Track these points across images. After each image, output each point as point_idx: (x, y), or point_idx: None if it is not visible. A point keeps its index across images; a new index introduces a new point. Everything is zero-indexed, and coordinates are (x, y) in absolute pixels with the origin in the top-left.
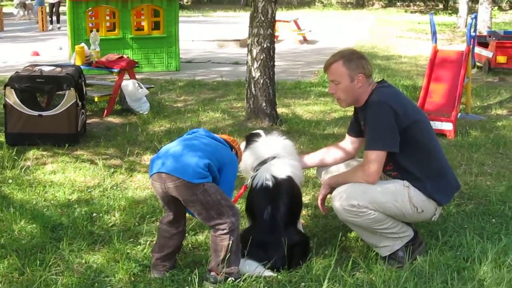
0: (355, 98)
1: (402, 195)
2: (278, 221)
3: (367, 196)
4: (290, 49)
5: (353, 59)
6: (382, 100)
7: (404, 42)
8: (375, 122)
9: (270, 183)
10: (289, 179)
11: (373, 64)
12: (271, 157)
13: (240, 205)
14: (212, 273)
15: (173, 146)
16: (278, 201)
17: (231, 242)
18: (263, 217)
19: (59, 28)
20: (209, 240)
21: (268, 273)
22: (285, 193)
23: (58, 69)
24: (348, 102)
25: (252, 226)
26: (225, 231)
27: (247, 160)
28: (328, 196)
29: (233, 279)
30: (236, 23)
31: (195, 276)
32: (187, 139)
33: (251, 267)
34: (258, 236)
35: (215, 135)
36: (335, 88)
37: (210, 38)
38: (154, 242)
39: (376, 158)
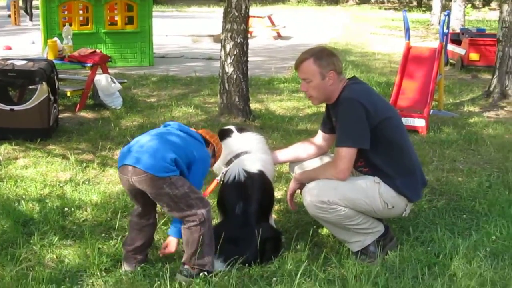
0: (327, 96)
1: (372, 191)
2: (250, 216)
3: (338, 192)
4: (264, 45)
5: (324, 56)
6: (353, 97)
7: (378, 38)
8: (346, 119)
9: (241, 178)
10: (261, 174)
11: (347, 61)
12: (242, 152)
13: (212, 200)
14: (186, 266)
15: (143, 139)
16: (250, 196)
17: (202, 234)
18: (235, 212)
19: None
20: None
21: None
22: (257, 188)
23: (30, 63)
24: (320, 100)
25: (223, 221)
26: (195, 222)
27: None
28: (298, 191)
29: (206, 273)
30: (211, 18)
31: (166, 271)
32: (158, 133)
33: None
34: (230, 231)
35: (190, 129)
36: (307, 86)
37: (185, 33)
38: (126, 235)
39: (346, 155)
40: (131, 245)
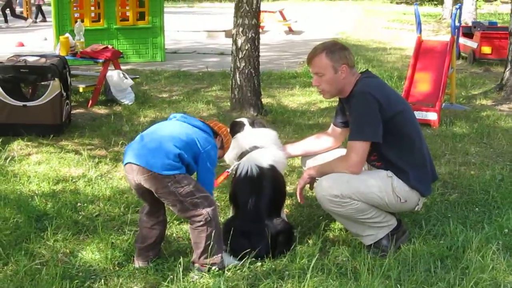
0: (339, 89)
1: (385, 185)
2: (262, 210)
3: (350, 186)
4: (275, 39)
5: (336, 50)
6: (366, 90)
7: (390, 33)
8: (359, 112)
9: (254, 172)
10: (273, 168)
11: (359, 55)
12: (255, 146)
13: (224, 195)
14: (196, 265)
15: (147, 134)
16: (262, 190)
17: (210, 232)
18: (247, 206)
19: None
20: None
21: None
22: (269, 182)
23: (43, 59)
24: (332, 94)
25: (236, 215)
26: (201, 222)
27: (230, 149)
28: (307, 187)
29: (217, 268)
30: (223, 14)
31: (179, 265)
32: (163, 126)
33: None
34: (242, 225)
35: (197, 120)
36: (319, 80)
37: (198, 28)
38: (138, 232)
39: (359, 148)
40: (143, 243)
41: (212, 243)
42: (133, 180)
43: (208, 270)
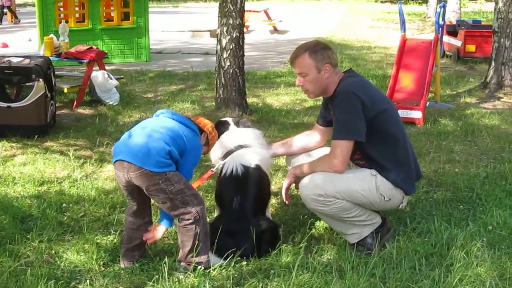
0: (323, 89)
1: (369, 183)
2: (247, 209)
3: (334, 185)
4: (260, 39)
5: (318, 50)
6: (349, 90)
7: (375, 31)
8: (342, 111)
9: (239, 172)
10: (258, 168)
11: (344, 54)
12: (239, 146)
13: (210, 194)
14: (182, 263)
15: (136, 132)
16: (247, 190)
17: (198, 231)
18: (232, 205)
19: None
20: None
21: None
22: (253, 182)
23: (27, 60)
24: (316, 94)
25: (221, 215)
26: (190, 220)
27: (216, 148)
28: (293, 186)
29: (203, 268)
30: (208, 13)
31: (165, 265)
32: (151, 124)
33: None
34: (228, 224)
35: (184, 117)
36: (303, 80)
37: (182, 28)
38: (123, 233)
39: (343, 147)
40: (128, 244)
41: (199, 241)
42: (123, 177)
43: (194, 270)
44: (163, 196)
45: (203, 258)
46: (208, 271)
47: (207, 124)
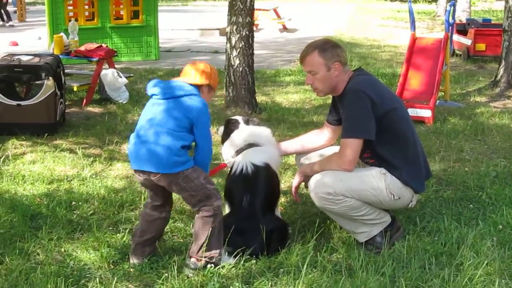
0: (332, 87)
1: (378, 182)
2: (257, 208)
3: (344, 183)
4: (270, 37)
5: (328, 48)
6: (358, 88)
7: (384, 30)
8: (352, 110)
9: (249, 170)
10: (267, 167)
11: (353, 53)
12: (249, 144)
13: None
14: (192, 259)
15: (142, 132)
16: (256, 189)
17: (214, 225)
18: (242, 203)
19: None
20: (188, 227)
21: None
22: (263, 180)
23: (37, 58)
24: (325, 92)
25: (230, 213)
26: (210, 213)
27: (226, 146)
28: (302, 184)
29: (213, 265)
30: (217, 12)
31: (174, 263)
32: (152, 117)
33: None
34: (237, 222)
35: (177, 85)
36: (312, 78)
37: (192, 26)
38: (136, 226)
39: (352, 146)
40: (141, 237)
41: (212, 236)
42: (145, 181)
43: (204, 266)
44: (185, 193)
45: (214, 253)
46: (217, 269)
47: (205, 72)
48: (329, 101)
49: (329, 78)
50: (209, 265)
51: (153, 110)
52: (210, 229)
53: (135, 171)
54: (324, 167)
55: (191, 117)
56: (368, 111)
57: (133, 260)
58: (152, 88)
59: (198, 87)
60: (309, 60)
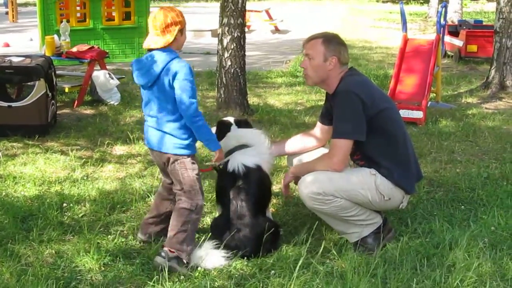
0: (322, 79)
1: (368, 182)
2: (248, 209)
3: (333, 184)
4: (261, 39)
5: (333, 41)
6: (349, 89)
7: (376, 31)
8: (342, 110)
9: (240, 171)
10: (259, 168)
11: None
12: (241, 145)
13: (205, 195)
14: (165, 249)
15: (145, 111)
16: (247, 189)
17: (188, 220)
18: (233, 205)
19: None
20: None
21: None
22: (254, 181)
23: (28, 60)
24: (314, 81)
25: (222, 215)
26: (187, 206)
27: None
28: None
29: (181, 262)
30: (210, 13)
31: (165, 265)
32: (149, 102)
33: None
34: (228, 224)
35: (149, 63)
36: (308, 63)
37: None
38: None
39: (342, 146)
40: (150, 214)
41: (187, 231)
42: (153, 157)
43: (175, 258)
44: (175, 177)
45: (185, 249)
46: (208, 270)
47: (166, 33)
48: (321, 102)
49: (322, 69)
50: (178, 261)
51: (148, 94)
52: (185, 222)
53: (149, 148)
54: (314, 167)
55: (173, 85)
56: (358, 112)
57: (139, 235)
58: (135, 78)
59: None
60: (312, 44)
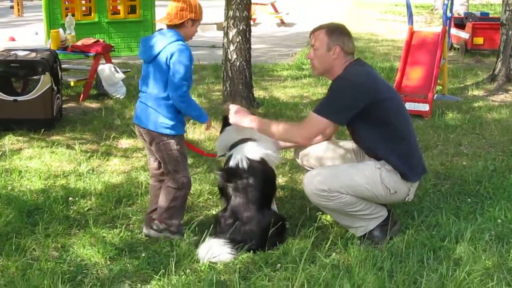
0: (327, 69)
1: (373, 177)
2: (253, 202)
3: (338, 180)
4: (267, 32)
5: (336, 31)
6: (347, 77)
7: (382, 24)
8: (331, 92)
9: (244, 165)
10: (263, 161)
11: None
12: (245, 139)
13: (210, 187)
14: (156, 222)
15: (141, 89)
16: (252, 182)
17: (177, 196)
18: (238, 198)
19: None
20: (185, 224)
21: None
22: (259, 175)
23: (33, 53)
24: (319, 71)
25: (226, 208)
26: (173, 186)
27: (222, 140)
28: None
29: (172, 232)
30: (216, 6)
31: (172, 259)
32: (149, 79)
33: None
34: (233, 217)
35: (153, 42)
36: (313, 53)
37: None
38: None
39: (315, 122)
40: (150, 207)
41: (175, 207)
42: (139, 133)
43: (166, 229)
44: (160, 155)
45: (174, 223)
46: (214, 263)
47: (180, 13)
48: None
49: (327, 59)
50: (167, 233)
51: (146, 67)
52: (173, 198)
53: (135, 124)
54: (283, 133)
55: (169, 64)
56: (346, 98)
57: (143, 230)
58: (139, 53)
59: (179, 25)
60: (316, 35)
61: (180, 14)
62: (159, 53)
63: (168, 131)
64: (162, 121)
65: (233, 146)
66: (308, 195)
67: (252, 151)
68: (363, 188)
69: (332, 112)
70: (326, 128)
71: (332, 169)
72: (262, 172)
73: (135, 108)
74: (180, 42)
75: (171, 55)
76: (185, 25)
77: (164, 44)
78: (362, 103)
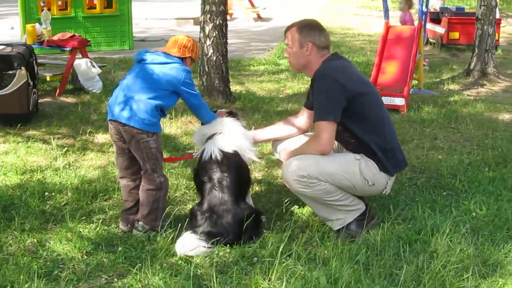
0: (303, 65)
1: (352, 167)
2: (227, 195)
3: (317, 167)
4: (244, 27)
5: (306, 28)
6: (325, 73)
7: (358, 19)
8: (319, 93)
9: (218, 156)
10: (236, 154)
11: None
12: (218, 132)
13: (187, 182)
14: (140, 222)
15: (126, 86)
16: (225, 175)
17: (157, 198)
18: (213, 191)
19: None
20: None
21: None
22: (233, 167)
23: (9, 48)
24: (296, 67)
25: (201, 201)
26: (152, 187)
27: (196, 135)
28: (280, 172)
29: (157, 231)
30: (193, 1)
31: (147, 253)
32: (136, 77)
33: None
34: (209, 211)
35: (163, 53)
36: (289, 51)
37: (166, 16)
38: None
39: (327, 128)
40: (125, 206)
41: (158, 208)
42: (115, 131)
43: (151, 229)
44: (139, 155)
45: (159, 224)
46: (191, 258)
47: (187, 45)
48: (304, 89)
49: (301, 55)
50: (154, 232)
51: (140, 70)
52: (154, 201)
53: (109, 121)
54: (303, 152)
55: (173, 81)
56: (333, 94)
57: (120, 227)
58: (143, 54)
59: (181, 58)
60: (289, 33)
61: (183, 50)
62: (167, 63)
63: (149, 128)
64: (145, 118)
65: (207, 140)
66: (287, 181)
67: (225, 144)
68: (341, 177)
69: (330, 112)
70: (335, 129)
71: (312, 157)
72: (235, 164)
73: (111, 104)
74: (185, 68)
75: (181, 81)
76: (184, 59)
77: (173, 61)
78: (344, 98)
